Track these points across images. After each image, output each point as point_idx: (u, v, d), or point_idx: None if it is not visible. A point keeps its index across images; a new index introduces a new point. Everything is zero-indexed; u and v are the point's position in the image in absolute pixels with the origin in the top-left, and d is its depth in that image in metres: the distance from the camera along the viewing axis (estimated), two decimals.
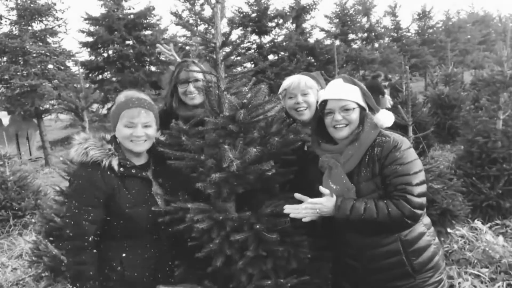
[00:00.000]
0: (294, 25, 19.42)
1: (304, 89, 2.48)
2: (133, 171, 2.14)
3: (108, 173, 2.07)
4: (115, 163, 2.08)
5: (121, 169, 2.10)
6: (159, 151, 2.21)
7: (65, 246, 2.08)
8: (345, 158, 2.03)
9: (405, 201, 1.86)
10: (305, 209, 1.93)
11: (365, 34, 22.00)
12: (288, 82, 2.58)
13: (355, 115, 2.05)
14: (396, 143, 1.97)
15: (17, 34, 13.61)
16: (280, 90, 2.62)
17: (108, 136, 2.21)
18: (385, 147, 1.97)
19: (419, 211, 1.88)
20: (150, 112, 2.17)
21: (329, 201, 1.95)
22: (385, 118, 2.07)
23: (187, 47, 17.42)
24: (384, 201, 1.89)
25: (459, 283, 3.51)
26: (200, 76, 2.58)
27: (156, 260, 2.20)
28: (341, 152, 2.06)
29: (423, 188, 1.92)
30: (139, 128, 2.11)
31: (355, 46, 21.22)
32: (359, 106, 2.08)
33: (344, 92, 2.07)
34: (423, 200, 1.91)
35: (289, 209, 1.95)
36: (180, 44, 17.06)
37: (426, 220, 2.09)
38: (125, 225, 2.10)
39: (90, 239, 2.04)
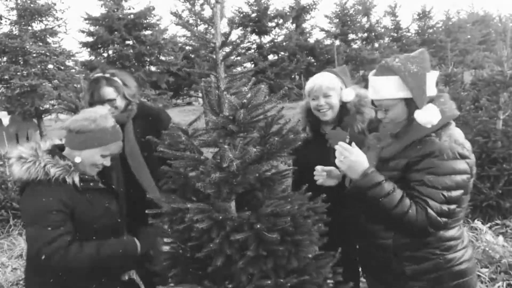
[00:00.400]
0: (294, 25, 19.45)
1: (326, 92, 2.55)
2: (91, 184, 2.09)
3: (71, 189, 2.01)
4: (76, 179, 2.01)
5: (82, 184, 2.04)
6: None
7: (59, 260, 1.90)
8: (384, 144, 1.96)
9: (425, 213, 1.69)
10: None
11: (365, 34, 22.03)
12: (311, 84, 2.64)
13: (395, 113, 1.85)
14: (440, 150, 1.73)
15: (17, 34, 13.62)
16: (306, 90, 2.70)
17: (42, 145, 2.08)
18: (426, 149, 1.76)
19: (435, 228, 1.72)
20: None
21: (361, 157, 1.80)
22: (421, 115, 1.77)
23: (187, 47, 17.46)
24: (410, 201, 1.72)
25: None
26: (114, 95, 2.58)
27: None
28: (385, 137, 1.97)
29: (450, 204, 1.72)
30: (109, 159, 2.12)
31: (355, 46, 21.26)
32: (404, 98, 1.81)
33: (376, 90, 1.88)
34: (443, 219, 1.71)
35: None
36: (180, 44, 17.09)
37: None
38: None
39: (70, 237, 1.95)
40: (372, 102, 1.98)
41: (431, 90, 1.82)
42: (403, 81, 1.76)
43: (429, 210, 1.67)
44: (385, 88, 1.81)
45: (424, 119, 1.74)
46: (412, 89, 1.76)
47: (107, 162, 2.10)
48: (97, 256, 1.98)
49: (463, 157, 1.74)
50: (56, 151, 2.07)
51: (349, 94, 2.54)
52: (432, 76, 1.84)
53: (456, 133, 1.82)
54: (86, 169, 2.08)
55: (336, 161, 1.85)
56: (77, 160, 2.03)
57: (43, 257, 1.87)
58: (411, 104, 1.79)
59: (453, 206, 1.72)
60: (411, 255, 1.86)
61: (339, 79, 2.63)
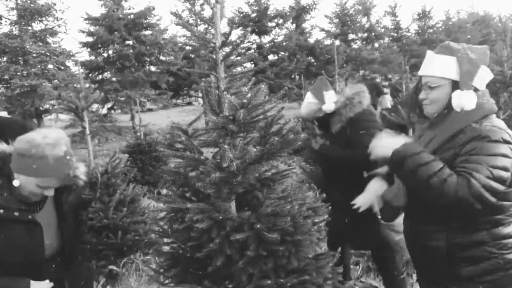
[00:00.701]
0: (294, 25, 19.45)
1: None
2: (16, 213, 1.77)
3: None
4: None
5: (1, 211, 1.74)
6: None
7: None
8: (425, 140, 1.86)
9: (466, 182, 1.60)
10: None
11: (365, 34, 22.03)
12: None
13: (438, 93, 1.81)
14: (481, 132, 1.68)
15: (17, 34, 13.62)
16: None
17: None
18: (468, 135, 1.70)
19: (478, 201, 1.60)
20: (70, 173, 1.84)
21: (397, 137, 1.80)
22: (457, 96, 1.75)
23: (187, 47, 17.45)
24: (452, 172, 1.65)
25: None
26: None
27: None
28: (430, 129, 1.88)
29: (498, 182, 1.63)
30: (52, 189, 1.82)
31: (355, 46, 21.26)
32: (452, 81, 1.78)
33: (428, 66, 1.86)
34: (489, 196, 1.60)
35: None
36: (180, 44, 17.10)
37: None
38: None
39: None
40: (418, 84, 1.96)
41: (479, 83, 1.78)
42: (458, 64, 1.76)
43: (472, 180, 1.59)
44: (439, 65, 1.81)
45: (458, 100, 1.73)
46: (461, 73, 1.75)
47: (48, 192, 1.80)
48: None
49: (506, 142, 1.68)
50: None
51: (328, 107, 3.06)
52: (486, 72, 1.80)
53: (497, 121, 1.77)
54: (25, 195, 1.80)
55: (373, 149, 1.85)
56: (15, 183, 1.76)
57: None
58: (455, 89, 1.77)
59: (501, 187, 1.63)
60: (467, 255, 1.75)
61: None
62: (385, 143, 1.81)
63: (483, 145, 1.66)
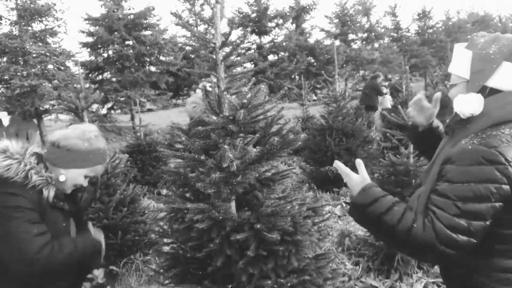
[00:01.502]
0: (294, 25, 19.45)
1: None
2: (61, 203, 1.97)
3: (41, 201, 1.87)
4: (52, 194, 1.89)
5: (55, 200, 1.92)
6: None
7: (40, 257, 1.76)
8: (438, 149, 1.67)
9: (431, 226, 1.38)
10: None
11: (365, 34, 22.03)
12: None
13: (454, 91, 1.60)
14: (452, 154, 1.44)
15: (17, 34, 13.61)
16: None
17: (30, 148, 1.97)
18: (444, 154, 1.50)
19: (448, 246, 1.37)
20: None
21: (357, 178, 1.58)
22: (458, 100, 1.52)
23: (187, 48, 17.46)
24: (417, 215, 1.44)
25: None
26: None
27: None
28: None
29: (470, 218, 1.37)
30: (87, 180, 2.02)
31: (355, 46, 21.25)
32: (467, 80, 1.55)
33: (452, 61, 1.63)
34: (461, 236, 1.36)
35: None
36: (180, 44, 17.10)
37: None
38: None
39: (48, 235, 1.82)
40: None
41: (503, 82, 1.50)
42: (471, 60, 1.53)
43: (436, 222, 1.37)
44: (457, 61, 1.59)
45: (458, 105, 1.51)
46: (472, 71, 1.52)
47: (85, 183, 2.01)
48: (75, 252, 1.88)
49: (491, 162, 1.37)
50: (42, 159, 1.95)
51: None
52: None
53: (504, 135, 1.43)
54: (65, 188, 1.96)
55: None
56: (62, 178, 1.91)
57: (33, 251, 1.73)
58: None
59: (476, 222, 1.36)
60: (458, 279, 1.59)
61: None
62: (350, 184, 1.60)
63: (456, 169, 1.41)
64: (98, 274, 2.14)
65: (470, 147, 1.42)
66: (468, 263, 1.52)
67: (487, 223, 1.38)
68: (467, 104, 1.49)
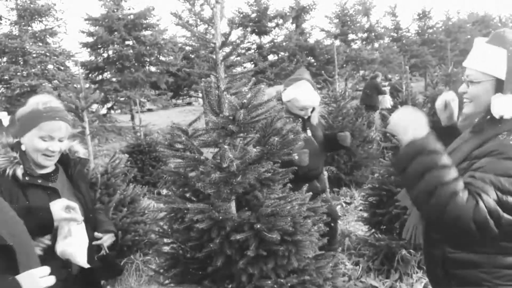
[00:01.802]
0: (294, 25, 19.43)
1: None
2: (39, 181, 1.94)
3: (10, 180, 1.87)
4: (19, 172, 1.89)
5: (26, 178, 1.90)
6: (68, 158, 2.09)
7: None
8: (451, 148, 1.64)
9: (475, 204, 1.37)
10: None
11: (365, 34, 22.02)
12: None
13: (478, 90, 1.54)
14: (499, 147, 1.43)
15: (17, 34, 13.61)
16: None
17: (8, 140, 1.98)
18: (485, 148, 1.47)
19: (479, 225, 1.37)
20: (69, 126, 2.03)
21: (423, 117, 1.49)
22: (497, 101, 1.48)
23: (187, 48, 17.46)
24: (465, 187, 1.40)
25: None
26: None
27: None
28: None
29: (503, 207, 1.37)
30: (56, 142, 1.96)
31: (355, 46, 21.24)
32: (496, 79, 1.50)
33: (473, 57, 1.58)
34: (492, 221, 1.36)
35: None
36: (180, 45, 17.10)
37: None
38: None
39: None
40: None
41: None
42: (507, 59, 1.47)
43: (481, 203, 1.36)
44: (484, 58, 1.53)
45: (498, 106, 1.46)
46: (509, 71, 1.46)
47: (53, 147, 1.94)
48: None
49: None
50: (20, 145, 1.97)
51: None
52: None
53: None
54: (34, 157, 1.95)
55: (391, 119, 1.57)
56: (23, 148, 1.95)
57: None
58: (499, 90, 1.49)
59: (507, 216, 1.37)
60: (460, 274, 1.56)
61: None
62: (406, 120, 1.52)
63: (497, 162, 1.40)
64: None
65: (509, 142, 1.42)
66: (471, 259, 1.52)
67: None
68: (510, 106, 1.45)
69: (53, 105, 1.99)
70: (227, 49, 2.16)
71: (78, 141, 2.21)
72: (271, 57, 18.34)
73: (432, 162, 1.41)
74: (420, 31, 25.45)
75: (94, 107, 4.99)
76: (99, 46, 15.80)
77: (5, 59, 13.52)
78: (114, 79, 15.85)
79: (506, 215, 1.37)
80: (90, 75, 16.16)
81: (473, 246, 1.52)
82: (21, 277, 1.29)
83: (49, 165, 2.02)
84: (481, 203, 1.36)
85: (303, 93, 3.33)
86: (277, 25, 18.70)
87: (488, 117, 1.53)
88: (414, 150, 1.45)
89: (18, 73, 13.03)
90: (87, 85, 12.04)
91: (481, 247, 1.51)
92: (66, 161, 2.11)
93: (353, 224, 4.83)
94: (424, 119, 1.51)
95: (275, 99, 2.19)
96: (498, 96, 1.48)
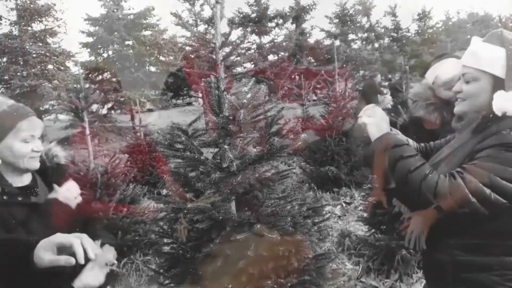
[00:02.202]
0: (294, 25, 19.44)
1: None
2: (19, 198, 1.70)
3: None
4: None
5: (4, 197, 1.65)
6: (45, 165, 1.86)
7: None
8: (451, 148, 1.65)
9: (450, 179, 1.39)
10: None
11: (365, 34, 22.03)
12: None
13: (475, 88, 1.54)
14: (502, 140, 1.42)
15: (17, 34, 13.61)
16: None
17: None
18: (487, 142, 1.46)
19: (469, 200, 1.35)
20: (41, 122, 1.80)
21: (386, 119, 1.59)
22: (499, 97, 1.48)
23: (187, 48, 17.46)
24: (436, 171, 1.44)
25: None
26: None
27: None
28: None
29: (497, 193, 1.37)
30: (38, 140, 1.73)
31: (355, 46, 21.26)
32: (494, 77, 1.50)
33: (470, 55, 1.59)
34: (490, 194, 1.36)
35: None
36: (180, 45, 17.10)
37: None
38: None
39: None
40: None
41: None
42: (506, 58, 1.48)
43: (458, 179, 1.37)
44: (483, 56, 1.53)
45: (500, 102, 1.47)
46: (509, 69, 1.47)
47: (38, 146, 1.73)
48: None
49: None
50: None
51: None
52: None
53: None
54: (20, 164, 1.70)
55: (362, 116, 1.64)
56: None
57: None
58: (497, 88, 1.49)
59: (501, 199, 1.36)
60: (471, 278, 1.53)
61: None
62: (375, 122, 1.60)
63: (497, 154, 1.40)
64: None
65: None
66: (482, 262, 1.51)
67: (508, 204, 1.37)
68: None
69: (15, 103, 1.75)
70: (227, 49, 2.16)
71: (55, 143, 2.02)
72: (271, 57, 18.36)
73: (397, 154, 1.48)
74: (420, 31, 25.46)
75: (94, 107, 4.98)
76: (99, 46, 15.81)
77: (5, 59, 13.52)
78: (114, 79, 15.87)
79: (494, 195, 1.36)
80: (90, 75, 16.17)
81: (481, 247, 1.51)
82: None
83: (37, 165, 1.77)
84: (458, 179, 1.38)
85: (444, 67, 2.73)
86: (277, 25, 18.72)
87: (491, 115, 1.52)
88: (381, 146, 1.53)
89: (18, 73, 13.03)
90: (87, 85, 12.05)
91: (487, 248, 1.50)
92: (43, 170, 1.85)
93: (353, 224, 4.83)
94: (386, 117, 1.60)
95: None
96: (500, 93, 1.48)
